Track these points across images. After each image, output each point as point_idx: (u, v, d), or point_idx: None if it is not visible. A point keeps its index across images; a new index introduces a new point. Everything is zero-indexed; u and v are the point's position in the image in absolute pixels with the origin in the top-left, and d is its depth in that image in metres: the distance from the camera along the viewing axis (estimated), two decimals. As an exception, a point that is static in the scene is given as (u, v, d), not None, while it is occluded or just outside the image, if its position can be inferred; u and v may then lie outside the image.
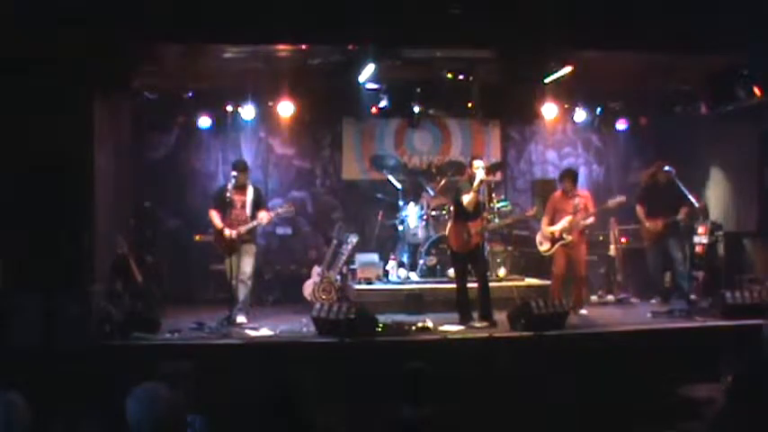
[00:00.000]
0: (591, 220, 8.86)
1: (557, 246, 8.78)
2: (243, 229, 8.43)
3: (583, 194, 9.08)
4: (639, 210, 9.69)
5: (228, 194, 8.36)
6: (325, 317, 7.21)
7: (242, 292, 8.42)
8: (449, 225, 8.37)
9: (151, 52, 7.56)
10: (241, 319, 8.23)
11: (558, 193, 9.11)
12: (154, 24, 6.83)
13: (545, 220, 8.96)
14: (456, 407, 4.83)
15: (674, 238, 9.37)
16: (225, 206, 8.46)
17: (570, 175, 9.06)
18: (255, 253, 8.69)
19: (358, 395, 6.07)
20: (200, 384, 5.93)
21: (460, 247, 8.01)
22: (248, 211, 8.55)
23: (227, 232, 8.39)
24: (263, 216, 8.59)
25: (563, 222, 8.77)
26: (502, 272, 9.72)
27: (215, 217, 8.55)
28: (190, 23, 6.95)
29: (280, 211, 9.01)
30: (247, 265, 8.48)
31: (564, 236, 8.73)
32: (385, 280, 9.56)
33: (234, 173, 8.55)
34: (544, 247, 8.96)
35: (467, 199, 7.89)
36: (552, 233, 8.81)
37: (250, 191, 8.65)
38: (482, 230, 7.98)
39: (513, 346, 6.99)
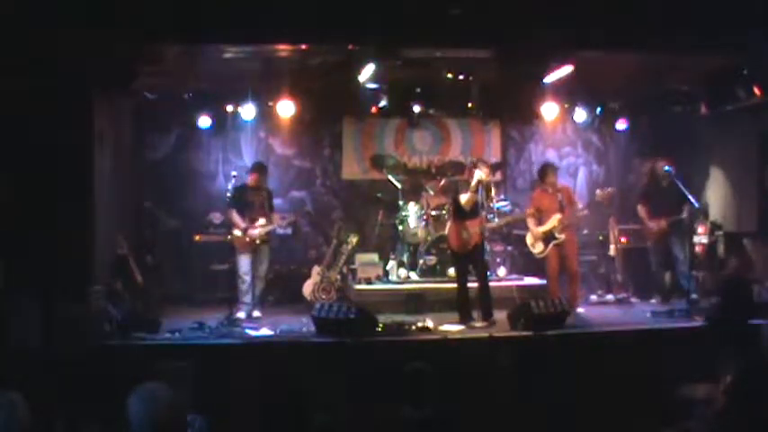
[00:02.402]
0: (585, 212, 8.83)
1: (551, 246, 8.69)
2: (266, 230, 8.78)
3: (563, 188, 9.01)
4: (641, 209, 9.65)
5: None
6: (325, 317, 7.22)
7: (258, 289, 8.86)
8: (449, 225, 8.37)
9: (151, 52, 7.55)
10: (257, 314, 8.67)
11: (538, 190, 8.99)
12: (154, 24, 6.83)
13: (532, 222, 8.82)
14: (456, 407, 4.83)
15: (677, 238, 9.34)
16: (244, 206, 8.64)
17: (552, 169, 8.92)
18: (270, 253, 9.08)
19: (358, 395, 6.07)
20: (200, 384, 5.94)
21: (460, 246, 8.02)
22: (267, 210, 8.90)
23: (253, 231, 8.59)
24: (278, 218, 9.05)
25: (552, 221, 8.66)
26: (502, 272, 9.72)
27: (236, 216, 8.69)
28: (190, 23, 6.95)
29: (292, 218, 9.54)
30: (264, 264, 8.90)
31: (556, 235, 8.67)
32: (385, 280, 9.57)
33: (254, 174, 8.93)
34: (538, 248, 8.80)
35: (464, 198, 7.89)
36: (545, 233, 8.72)
37: (265, 192, 9.00)
38: (482, 230, 7.97)
39: (513, 346, 6.99)
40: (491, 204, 8.21)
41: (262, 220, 8.76)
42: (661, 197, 9.39)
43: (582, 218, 9.10)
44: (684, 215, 9.24)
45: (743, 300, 5.88)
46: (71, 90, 6.79)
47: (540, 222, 8.78)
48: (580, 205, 8.86)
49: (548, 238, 8.70)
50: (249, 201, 8.74)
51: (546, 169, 8.94)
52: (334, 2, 7.13)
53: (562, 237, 8.64)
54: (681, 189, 8.87)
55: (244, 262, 8.63)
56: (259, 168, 9.09)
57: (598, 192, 9.00)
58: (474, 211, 7.93)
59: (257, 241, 8.72)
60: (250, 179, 8.98)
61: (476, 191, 7.84)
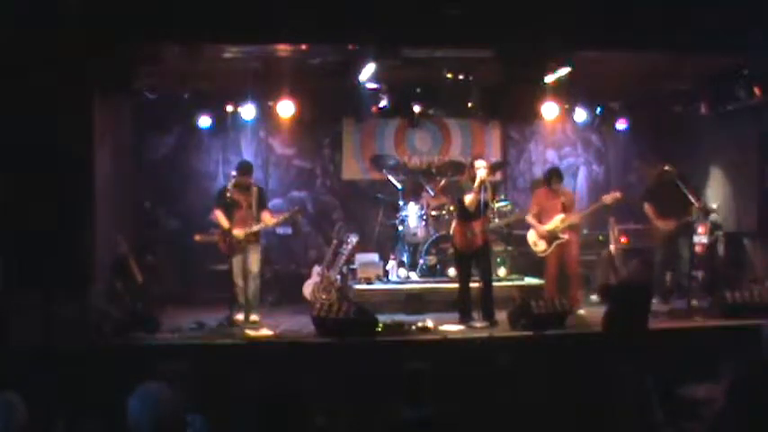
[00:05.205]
0: (577, 217, 8.91)
1: (554, 245, 8.73)
2: (252, 229, 8.54)
3: (565, 192, 9.08)
4: (649, 209, 9.55)
5: (229, 194, 8.39)
6: (325, 317, 7.21)
7: (254, 289, 8.62)
8: (453, 225, 8.35)
9: (151, 52, 7.56)
10: (254, 317, 8.47)
11: (542, 190, 9.07)
12: (154, 24, 6.83)
13: (533, 220, 8.89)
14: (456, 407, 4.83)
15: (684, 238, 9.30)
16: (229, 206, 8.51)
17: (558, 173, 9.02)
18: (261, 252, 8.83)
19: (358, 395, 6.07)
20: (200, 384, 5.94)
21: (465, 246, 8.01)
22: (254, 211, 8.65)
23: (237, 232, 8.45)
24: (270, 218, 8.73)
25: (555, 221, 8.72)
26: (502, 272, 9.72)
27: (221, 217, 8.58)
28: (190, 23, 6.95)
29: (287, 215, 9.17)
30: (255, 264, 8.64)
31: (559, 234, 8.72)
32: (385, 280, 9.56)
33: (238, 174, 8.62)
34: (540, 246, 8.85)
35: (468, 199, 7.90)
36: (549, 232, 8.77)
37: (254, 191, 8.75)
38: (486, 230, 8.00)
39: (513, 346, 6.98)
40: (492, 204, 8.23)
41: (251, 221, 8.65)
42: (668, 198, 9.28)
43: (581, 222, 9.14)
44: (693, 217, 9.20)
45: (633, 306, 5.83)
46: (71, 90, 6.79)
47: (539, 221, 8.84)
48: (577, 215, 8.93)
49: (551, 237, 8.74)
50: (235, 201, 8.55)
51: (552, 174, 9.03)
52: (334, 2, 7.13)
53: (565, 237, 8.69)
54: (685, 191, 8.86)
55: (234, 264, 8.49)
56: (243, 168, 8.83)
57: (604, 197, 8.99)
58: (478, 211, 7.93)
59: (242, 242, 8.51)
60: (236, 179, 8.75)
61: (479, 191, 7.85)
